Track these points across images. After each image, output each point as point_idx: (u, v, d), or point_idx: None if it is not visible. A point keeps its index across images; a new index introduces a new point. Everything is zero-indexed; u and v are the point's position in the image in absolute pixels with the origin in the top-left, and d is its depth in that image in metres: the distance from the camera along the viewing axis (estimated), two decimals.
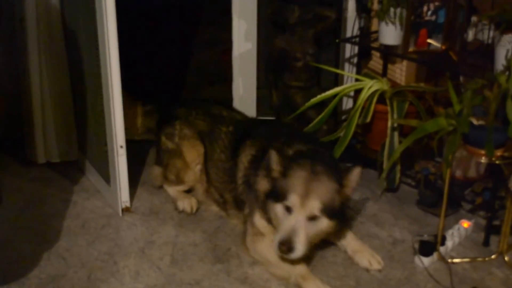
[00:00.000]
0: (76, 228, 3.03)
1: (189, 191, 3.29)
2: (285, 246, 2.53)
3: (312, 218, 2.57)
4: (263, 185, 2.73)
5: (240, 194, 2.95)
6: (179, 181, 3.25)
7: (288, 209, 2.59)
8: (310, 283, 2.61)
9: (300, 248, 2.54)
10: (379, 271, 2.73)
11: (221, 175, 3.09)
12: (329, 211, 2.58)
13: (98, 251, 2.86)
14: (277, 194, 2.62)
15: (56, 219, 3.08)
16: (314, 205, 2.56)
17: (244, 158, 2.94)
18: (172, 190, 3.28)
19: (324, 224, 2.60)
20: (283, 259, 2.66)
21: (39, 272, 2.70)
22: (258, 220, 2.80)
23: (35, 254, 2.81)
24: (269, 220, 2.74)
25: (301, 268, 2.66)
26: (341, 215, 2.67)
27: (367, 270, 2.74)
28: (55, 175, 3.47)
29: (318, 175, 2.61)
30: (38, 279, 2.66)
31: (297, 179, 2.61)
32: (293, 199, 2.57)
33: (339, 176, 2.64)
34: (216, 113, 3.26)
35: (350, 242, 2.85)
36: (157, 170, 3.36)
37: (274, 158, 2.64)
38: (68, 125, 3.50)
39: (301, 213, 2.57)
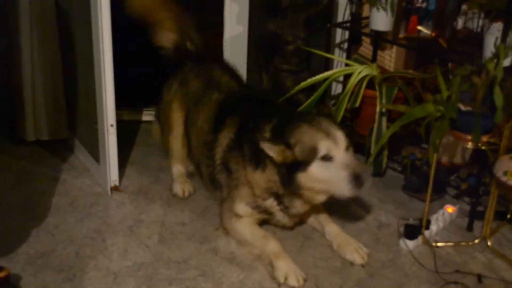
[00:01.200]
0: (65, 205, 3.04)
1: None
2: (360, 177, 2.51)
3: (347, 149, 2.59)
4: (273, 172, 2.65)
5: (217, 174, 2.92)
6: (171, 129, 3.23)
7: (327, 159, 2.54)
8: (280, 261, 2.62)
9: (368, 171, 2.57)
10: (362, 266, 2.71)
11: (200, 146, 3.04)
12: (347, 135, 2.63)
13: (86, 229, 2.88)
14: (304, 157, 2.55)
15: (45, 196, 3.10)
16: (341, 135, 2.59)
17: (224, 140, 2.88)
18: (176, 169, 3.26)
19: (351, 152, 2.62)
20: (258, 238, 2.71)
21: (28, 248, 2.72)
22: (243, 208, 2.79)
23: (24, 230, 2.82)
24: (255, 207, 2.75)
25: (274, 246, 2.68)
26: None
27: (351, 264, 2.73)
28: (45, 153, 3.48)
29: (313, 119, 2.64)
30: (27, 255, 2.67)
31: (309, 131, 2.58)
32: (325, 144, 2.54)
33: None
34: (215, 76, 3.20)
35: (335, 236, 2.82)
36: (156, 125, 3.43)
37: (268, 147, 2.59)
38: (58, 103, 3.49)
39: (340, 150, 2.55)
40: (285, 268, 2.60)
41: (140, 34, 5.03)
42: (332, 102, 3.67)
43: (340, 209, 3.07)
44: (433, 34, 3.24)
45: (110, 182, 3.13)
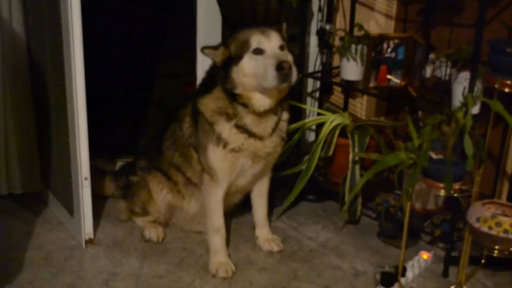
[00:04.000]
0: (39, 260, 3.00)
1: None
2: (285, 64, 2.62)
3: (281, 48, 2.72)
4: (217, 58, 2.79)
5: (188, 141, 3.02)
6: (145, 212, 3.26)
7: (258, 52, 2.68)
8: (216, 256, 2.96)
9: (294, 70, 2.67)
10: (280, 251, 3.10)
11: (174, 152, 3.14)
12: (285, 43, 2.77)
13: (61, 283, 2.83)
14: (238, 52, 2.72)
15: (18, 251, 3.05)
16: (276, 35, 2.74)
17: (184, 117, 3.05)
18: (140, 220, 3.29)
19: (289, 56, 2.75)
20: (214, 222, 2.99)
21: None
22: (213, 152, 2.87)
23: None
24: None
25: (218, 242, 2.99)
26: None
27: (271, 252, 3.10)
28: (18, 207, 3.44)
29: (259, 26, 2.79)
30: None
31: (246, 31, 2.76)
32: (257, 38, 2.70)
33: None
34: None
35: (262, 239, 3.18)
36: (122, 204, 3.38)
37: (209, 53, 2.77)
38: (31, 156, 3.48)
39: (272, 45, 2.70)
40: (217, 262, 2.95)
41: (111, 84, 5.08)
42: (305, 150, 3.71)
43: (315, 257, 3.08)
44: (403, 83, 3.31)
45: (84, 235, 3.10)
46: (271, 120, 2.87)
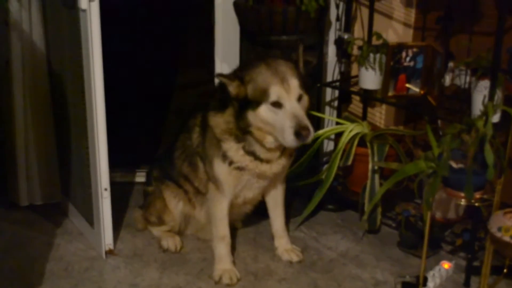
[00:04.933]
0: (59, 271, 3.01)
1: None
2: (304, 131, 2.58)
3: (299, 99, 2.67)
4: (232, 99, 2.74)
5: (196, 150, 3.02)
6: (160, 222, 3.27)
7: (276, 105, 2.63)
8: (220, 264, 2.98)
9: (312, 129, 2.63)
10: (300, 262, 3.10)
11: (183, 162, 3.14)
12: (303, 85, 2.70)
13: None
14: (255, 97, 2.66)
15: (38, 262, 3.07)
16: (296, 84, 2.65)
17: (193, 127, 3.04)
18: (156, 230, 3.30)
19: (306, 100, 2.72)
20: (219, 230, 3.00)
21: None
22: (218, 166, 2.87)
23: None
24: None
25: (222, 250, 3.01)
26: (308, 86, 2.80)
27: (290, 263, 3.10)
28: (38, 218, 3.47)
29: (275, 61, 2.71)
30: None
31: (264, 73, 2.66)
32: (277, 90, 2.62)
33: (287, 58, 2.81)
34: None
35: (282, 249, 3.17)
36: (138, 213, 3.39)
37: (224, 80, 2.69)
38: (52, 167, 3.51)
39: (291, 99, 2.63)
40: (221, 270, 2.96)
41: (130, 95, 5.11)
42: (325, 160, 3.70)
43: (335, 267, 3.07)
44: (422, 92, 3.29)
45: (104, 246, 3.12)
46: (280, 148, 2.84)
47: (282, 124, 2.62)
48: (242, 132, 2.76)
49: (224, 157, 2.84)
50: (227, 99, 2.76)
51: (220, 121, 2.83)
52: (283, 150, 2.86)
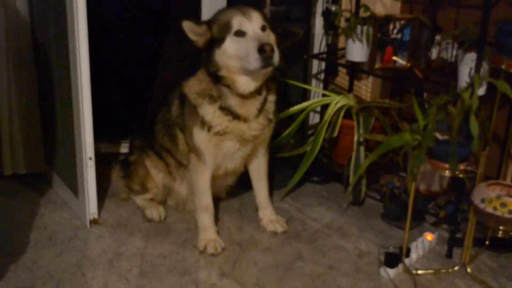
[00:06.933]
0: (43, 240, 3.01)
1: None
2: (266, 46, 2.60)
3: (263, 29, 2.71)
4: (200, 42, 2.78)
5: (175, 121, 3.03)
6: (144, 189, 3.28)
7: (239, 34, 2.67)
8: (205, 233, 2.99)
9: (277, 52, 2.65)
10: (284, 232, 3.12)
11: (164, 135, 3.17)
12: (267, 22, 2.75)
13: (66, 263, 2.84)
14: (220, 34, 2.71)
15: (22, 231, 3.06)
16: (258, 15, 2.71)
17: (171, 97, 3.07)
18: (140, 199, 3.31)
19: (271, 35, 2.76)
20: (202, 200, 3.00)
21: (5, 284, 2.68)
22: (198, 134, 2.89)
23: (1, 266, 2.78)
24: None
25: (206, 220, 3.01)
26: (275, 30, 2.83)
27: (275, 233, 3.12)
28: (22, 187, 3.45)
29: (239, 4, 2.77)
30: None
31: (227, 11, 2.76)
32: (238, 20, 2.68)
33: None
34: None
35: (266, 219, 3.18)
36: (121, 182, 3.40)
37: (190, 27, 2.74)
38: (36, 137, 3.48)
39: (253, 26, 2.68)
40: (206, 239, 2.97)
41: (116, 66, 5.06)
42: (310, 132, 3.70)
43: (319, 238, 3.08)
44: (408, 64, 3.29)
45: (89, 215, 3.11)
46: (256, 101, 2.86)
47: (247, 49, 2.65)
48: (214, 78, 2.78)
49: (203, 123, 2.84)
50: (196, 64, 2.82)
51: (192, 85, 2.87)
52: (261, 105, 2.87)
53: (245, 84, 2.76)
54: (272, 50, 2.62)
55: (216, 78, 2.78)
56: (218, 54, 2.72)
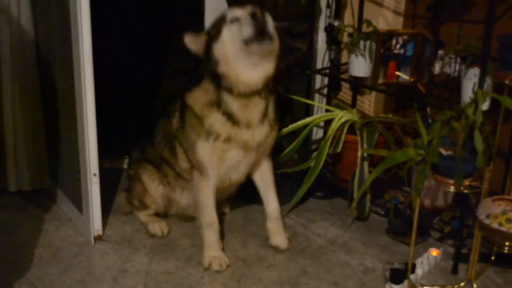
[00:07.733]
0: (48, 256, 3.01)
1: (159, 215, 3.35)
2: (258, 11, 2.65)
3: (253, 14, 2.70)
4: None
5: (175, 134, 3.04)
6: (143, 206, 3.29)
7: (234, 20, 2.71)
8: (210, 251, 2.98)
9: (270, 21, 2.71)
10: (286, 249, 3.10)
11: (164, 147, 3.17)
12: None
13: (70, 280, 2.84)
14: (217, 30, 2.74)
15: (27, 247, 3.06)
16: (251, 6, 2.71)
17: (171, 109, 3.08)
18: (141, 215, 3.32)
19: (271, 21, 2.76)
20: (207, 216, 2.99)
21: None
22: (202, 146, 2.89)
23: (6, 283, 2.77)
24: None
25: (211, 237, 3.00)
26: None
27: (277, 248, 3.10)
28: (26, 204, 3.45)
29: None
30: None
31: (224, 12, 2.78)
32: (232, 10, 2.73)
33: None
34: None
35: (272, 231, 3.15)
36: (122, 196, 3.41)
37: (190, 39, 2.78)
38: (40, 153, 3.49)
39: (246, 13, 2.69)
40: (211, 256, 2.97)
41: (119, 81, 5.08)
42: (314, 147, 3.70)
43: (324, 254, 3.08)
44: (411, 79, 3.29)
45: (93, 231, 3.11)
46: (257, 106, 2.85)
47: (240, 29, 2.68)
48: (216, 83, 2.78)
49: (209, 133, 2.84)
50: (199, 76, 2.84)
51: (197, 95, 2.88)
52: (264, 110, 2.86)
53: (245, 76, 2.74)
54: (263, 14, 2.66)
55: (218, 81, 2.78)
56: (216, 47, 2.74)
